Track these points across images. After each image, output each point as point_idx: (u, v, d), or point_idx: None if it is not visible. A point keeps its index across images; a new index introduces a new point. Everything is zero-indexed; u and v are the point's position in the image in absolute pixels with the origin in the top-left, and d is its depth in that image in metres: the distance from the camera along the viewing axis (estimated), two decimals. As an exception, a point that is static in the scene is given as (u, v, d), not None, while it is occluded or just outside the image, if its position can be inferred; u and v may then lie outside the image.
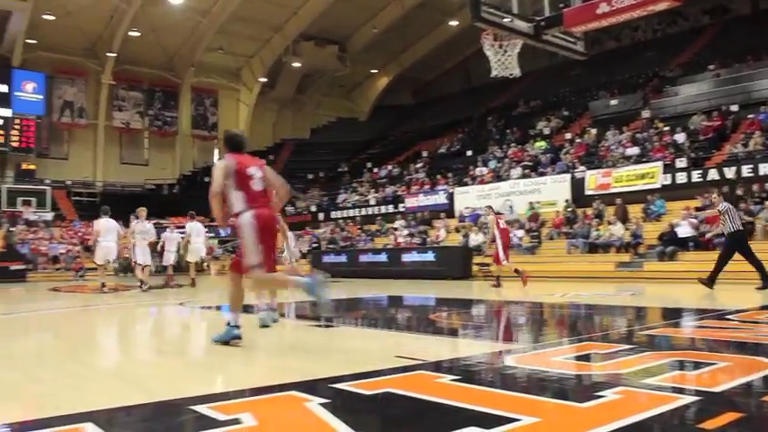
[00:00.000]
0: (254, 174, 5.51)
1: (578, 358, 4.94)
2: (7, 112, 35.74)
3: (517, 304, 10.70)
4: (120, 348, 6.19)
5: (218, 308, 11.54)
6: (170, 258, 17.60)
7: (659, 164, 20.69)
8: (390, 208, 29.36)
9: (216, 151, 44.84)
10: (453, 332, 7.36)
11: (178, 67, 41.49)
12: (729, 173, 19.06)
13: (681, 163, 20.44)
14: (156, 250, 17.91)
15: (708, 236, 13.67)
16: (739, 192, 17.79)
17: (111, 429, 2.93)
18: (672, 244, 17.18)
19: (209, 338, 5.84)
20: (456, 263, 20.04)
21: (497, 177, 26.12)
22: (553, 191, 23.05)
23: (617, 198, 20.40)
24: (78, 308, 11.74)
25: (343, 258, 24.83)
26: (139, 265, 15.15)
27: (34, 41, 35.45)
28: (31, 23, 33.62)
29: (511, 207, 23.68)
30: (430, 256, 20.98)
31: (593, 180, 22.08)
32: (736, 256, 11.92)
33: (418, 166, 32.47)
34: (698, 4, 33.70)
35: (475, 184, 26.62)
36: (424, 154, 34.34)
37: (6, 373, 4.73)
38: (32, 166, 36.81)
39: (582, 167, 23.28)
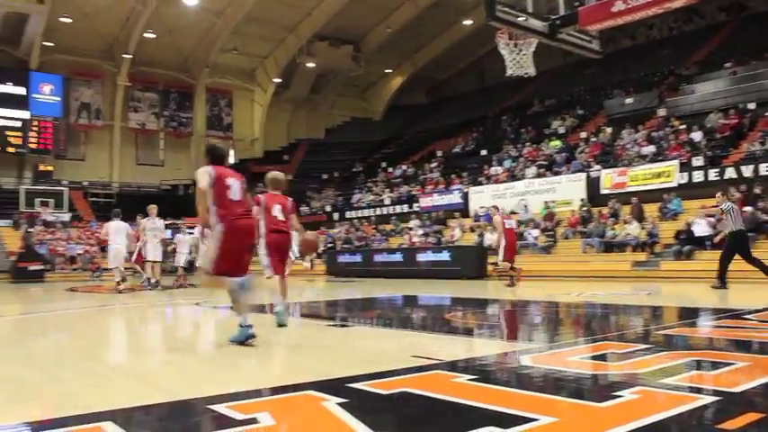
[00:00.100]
0: (231, 184, 5.80)
1: (595, 358, 4.92)
2: (25, 114, 36.13)
3: (533, 304, 10.67)
4: (138, 348, 6.23)
5: (233, 308, 11.59)
6: (181, 260, 17.74)
7: (675, 162, 20.55)
8: (405, 208, 29.36)
9: (231, 152, 44.98)
10: (469, 332, 7.35)
11: (193, 68, 41.71)
12: (747, 171, 18.88)
13: (697, 161, 20.29)
14: (168, 252, 18.00)
15: (716, 239, 13.59)
16: (757, 190, 17.65)
17: (130, 428, 2.94)
18: (689, 243, 17.07)
19: (225, 338, 5.87)
20: (471, 262, 20.02)
21: (512, 177, 26.05)
22: (568, 190, 22.96)
23: (633, 197, 20.28)
24: (95, 308, 11.83)
25: (358, 258, 24.88)
26: (149, 261, 15.25)
27: (51, 44, 35.79)
28: (49, 26, 33.94)
29: (526, 206, 23.62)
30: (445, 256, 20.97)
31: (609, 179, 21.96)
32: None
33: (433, 165, 32.45)
34: (714, 2, 33.47)
35: (490, 183, 26.57)
36: (439, 153, 34.31)
37: (26, 372, 4.78)
38: (50, 168, 37.14)
39: (597, 166, 23.16)
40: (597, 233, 19.74)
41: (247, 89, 44.43)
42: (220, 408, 3.22)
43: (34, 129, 36.60)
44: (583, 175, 22.90)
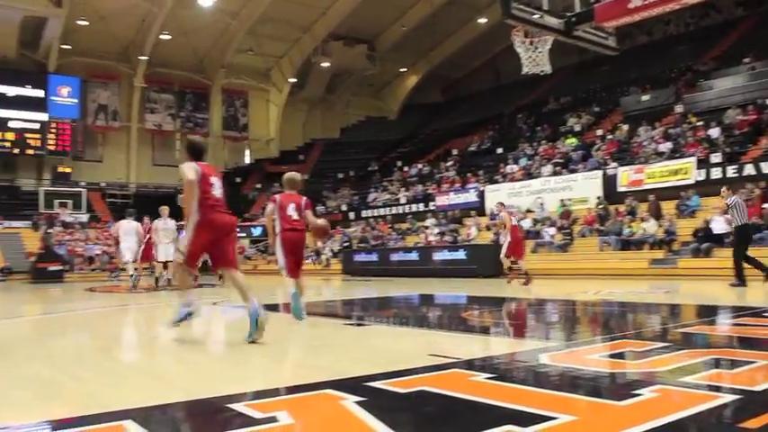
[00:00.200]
0: (214, 182, 6.03)
1: (613, 356, 4.89)
2: (44, 117, 36.52)
3: (550, 302, 10.63)
4: (156, 347, 6.28)
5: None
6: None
7: (693, 159, 20.39)
8: (421, 206, 29.35)
9: (247, 152, 45.21)
10: (486, 330, 7.34)
11: (208, 68, 41.93)
12: (766, 167, 18.70)
13: (715, 158, 20.13)
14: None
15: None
16: (776, 187, 17.49)
17: (150, 427, 2.96)
18: (707, 240, 16.93)
19: (242, 337, 5.90)
20: (487, 261, 19.91)
21: (528, 175, 25.97)
22: (585, 188, 22.85)
23: (650, 194, 20.16)
24: (113, 308, 11.92)
25: (374, 257, 24.89)
26: (159, 262, 15.37)
27: (69, 47, 36.15)
28: (66, 29, 34.29)
29: (542, 205, 23.54)
30: (461, 255, 20.94)
31: (626, 176, 21.83)
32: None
33: (448, 164, 32.42)
34: (732, -4, 33.18)
35: (506, 181, 26.51)
36: (455, 152, 34.27)
37: (47, 371, 4.83)
38: (68, 169, 37.50)
39: (614, 164, 23.04)
40: (614, 231, 19.63)
41: (263, 89, 44.60)
42: (239, 406, 3.24)
43: (52, 131, 37.00)
44: (599, 173, 22.79)
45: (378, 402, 3.27)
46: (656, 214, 19.28)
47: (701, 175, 19.93)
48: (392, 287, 15.92)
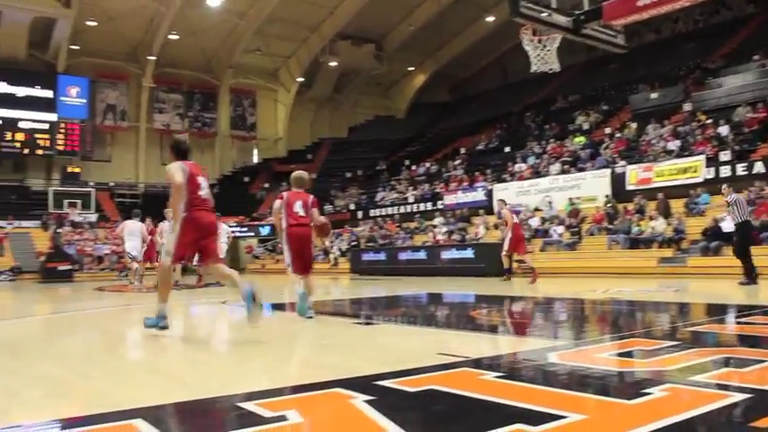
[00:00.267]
0: (201, 182, 6.19)
1: (623, 355, 4.88)
2: (53, 117, 36.69)
3: (558, 301, 10.61)
4: (165, 346, 6.29)
5: (260, 306, 11.65)
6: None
7: (702, 157, 20.32)
8: (429, 205, 29.36)
9: (255, 151, 45.29)
10: (494, 329, 7.33)
11: (216, 68, 42.02)
12: (776, 165, 18.64)
13: (725, 156, 20.05)
14: None
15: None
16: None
17: (160, 426, 2.97)
18: (716, 239, 16.85)
19: (251, 336, 5.92)
20: (495, 260, 19.87)
21: (536, 173, 25.95)
22: (593, 186, 22.81)
23: (659, 193, 20.10)
24: (122, 307, 11.96)
25: (382, 256, 24.90)
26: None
27: (77, 47, 36.31)
28: (75, 30, 34.45)
29: (550, 203, 23.51)
30: (469, 253, 20.92)
31: (634, 175, 21.78)
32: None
33: (456, 162, 32.40)
34: (741, -7, 33.01)
35: (514, 180, 26.49)
36: (462, 151, 34.26)
37: (58, 370, 4.85)
38: (77, 169, 37.66)
39: (622, 162, 22.99)
40: (623, 229, 19.58)
41: (271, 89, 44.66)
42: (249, 405, 3.24)
43: (62, 131, 37.17)
44: (608, 172, 22.74)
45: (387, 401, 3.27)
46: (665, 213, 19.22)
47: (711, 174, 19.86)
48: (400, 286, 15.92)
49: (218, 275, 6.43)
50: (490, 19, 39.04)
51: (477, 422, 2.91)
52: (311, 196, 7.74)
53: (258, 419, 2.99)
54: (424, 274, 20.80)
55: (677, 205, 19.66)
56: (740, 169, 19.36)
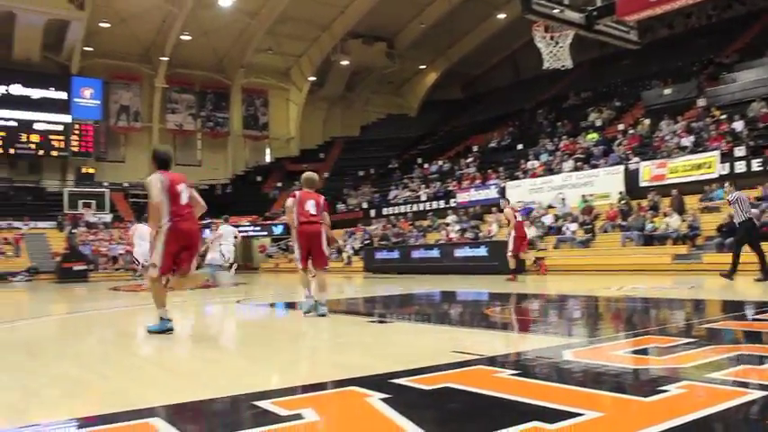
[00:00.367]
0: (181, 191, 6.32)
1: (638, 352, 4.85)
2: (67, 118, 36.97)
3: (572, 298, 10.57)
4: (180, 345, 6.33)
5: (273, 305, 11.72)
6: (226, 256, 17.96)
7: (716, 153, 20.18)
8: (441, 203, 29.35)
9: (268, 151, 45.41)
10: (509, 327, 7.32)
11: (228, 68, 42.16)
12: (792, 161, 18.48)
13: (739, 151, 19.90)
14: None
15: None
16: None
17: (177, 424, 2.98)
18: (731, 235, 16.70)
19: (266, 335, 5.95)
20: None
21: (549, 170, 25.85)
22: (606, 183, 22.71)
23: (673, 189, 19.98)
24: (137, 306, 12.03)
25: (395, 254, 24.91)
26: None
27: (91, 49, 36.56)
28: (88, 32, 34.67)
29: (563, 200, 23.41)
30: (482, 251, 20.89)
31: (648, 171, 21.66)
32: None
33: (469, 160, 32.34)
34: (755, -13, 32.70)
35: (526, 177, 26.40)
36: (475, 148, 34.19)
37: (75, 370, 4.89)
38: (92, 170, 37.92)
39: (636, 159, 22.86)
40: (637, 226, 19.49)
41: (282, 88, 44.76)
42: (265, 404, 3.25)
43: (76, 132, 37.47)
44: (621, 168, 22.62)
45: (403, 399, 3.28)
46: (680, 209, 19.11)
47: (725, 169, 19.72)
48: (414, 284, 15.92)
49: (178, 287, 6.66)
50: (501, 16, 38.95)
51: (494, 420, 2.91)
52: (322, 197, 7.96)
53: (274, 418, 3.01)
54: (438, 272, 20.79)
55: (691, 201, 19.54)
56: (755, 165, 19.21)
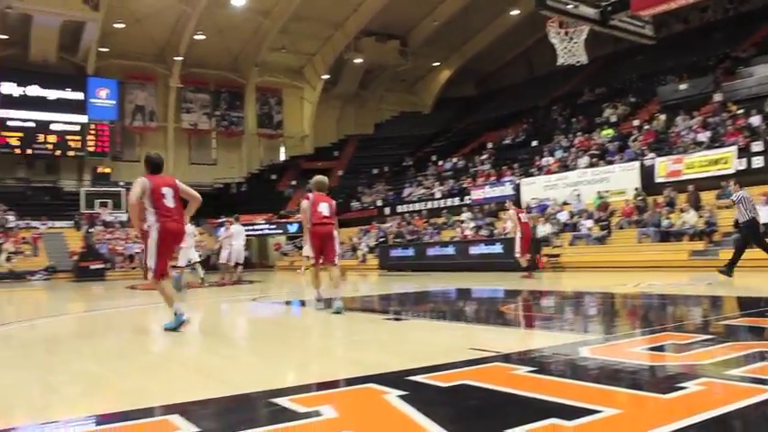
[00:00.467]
0: (166, 193, 6.57)
1: (656, 349, 4.82)
2: (83, 119, 37.26)
3: (588, 295, 10.54)
4: (198, 343, 6.37)
5: (288, 303, 11.76)
6: (239, 256, 18.05)
7: (733, 148, 20.01)
8: (456, 200, 29.30)
9: (282, 149, 45.52)
10: (524, 324, 7.31)
11: (242, 67, 42.28)
12: (810, 155, 18.28)
13: (757, 147, 19.72)
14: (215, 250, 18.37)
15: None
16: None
17: (195, 421, 3.00)
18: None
19: (283, 333, 5.97)
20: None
21: (564, 167, 25.74)
22: (622, 179, 22.58)
23: (689, 185, 19.82)
24: (154, 305, 12.11)
25: (410, 252, 24.92)
26: (180, 268, 15.83)
27: (106, 49, 36.80)
28: (103, 32, 34.90)
29: (579, 197, 23.29)
30: (498, 248, 20.84)
31: (664, 167, 21.51)
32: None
33: (483, 157, 32.26)
34: (772, -21, 32.33)
35: (541, 174, 26.31)
36: (489, 145, 34.10)
37: (94, 367, 4.95)
38: (108, 170, 38.17)
39: (651, 155, 22.71)
40: (653, 223, 19.37)
41: (296, 87, 44.83)
42: (282, 401, 3.27)
43: (92, 132, 37.74)
44: (636, 164, 22.49)
45: (420, 396, 3.29)
46: (696, 205, 18.97)
47: (742, 165, 19.54)
48: (429, 281, 15.93)
49: (162, 289, 6.70)
50: (515, 12, 38.81)
51: (512, 417, 2.90)
52: (333, 201, 8.52)
53: (292, 415, 3.02)
54: (453, 269, 20.77)
55: (708, 197, 19.39)
56: (773, 160, 19.04)
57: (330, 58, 42.12)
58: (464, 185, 30.04)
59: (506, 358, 4.43)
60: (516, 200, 25.53)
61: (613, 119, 28.67)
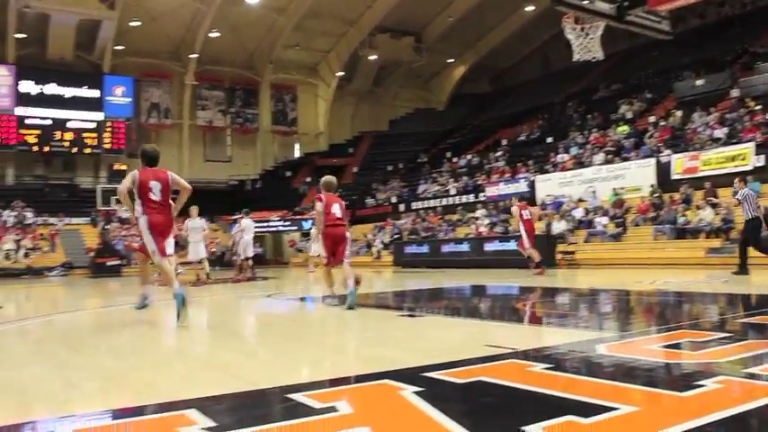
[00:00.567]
0: (153, 186, 6.92)
1: (672, 347, 4.80)
2: (99, 116, 37.54)
3: (604, 292, 10.49)
4: (214, 338, 6.41)
5: (303, 299, 11.79)
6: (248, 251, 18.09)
7: (751, 145, 19.83)
8: (471, 197, 29.25)
9: (297, 146, 45.61)
10: (540, 321, 7.29)
11: (257, 64, 42.40)
12: (829, 152, 18.08)
13: (775, 143, 19.54)
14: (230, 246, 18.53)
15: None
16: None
17: (213, 416, 3.02)
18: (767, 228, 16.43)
19: (298, 329, 5.99)
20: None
21: (579, 164, 25.62)
22: (637, 176, 22.44)
23: (705, 182, 19.67)
24: (169, 300, 12.18)
25: (424, 249, 24.90)
26: (191, 262, 16.05)
27: (122, 47, 37.05)
28: (119, 31, 35.15)
29: (594, 193, 23.18)
30: (512, 245, 20.70)
31: (680, 164, 21.36)
32: None
33: (498, 154, 32.18)
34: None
35: (556, 171, 26.20)
36: (504, 142, 33.99)
37: (111, 362, 4.99)
38: (124, 167, 38.31)
39: (667, 151, 22.55)
40: (669, 220, 19.24)
41: (311, 84, 44.90)
42: (299, 396, 3.27)
43: (108, 130, 38.01)
44: (652, 161, 22.34)
45: (436, 393, 3.29)
46: (713, 202, 18.82)
47: (761, 161, 19.36)
48: (444, 278, 15.91)
49: (163, 267, 7.17)
50: (530, 8, 38.66)
51: (528, 414, 2.90)
52: (343, 202, 8.75)
53: (308, 410, 3.03)
54: (468, 266, 20.73)
55: (725, 194, 19.21)
56: (792, 156, 18.86)
57: (344, 54, 42.14)
58: (479, 182, 29.98)
59: (522, 355, 4.41)
60: (531, 197, 25.47)
61: (629, 115, 28.49)
